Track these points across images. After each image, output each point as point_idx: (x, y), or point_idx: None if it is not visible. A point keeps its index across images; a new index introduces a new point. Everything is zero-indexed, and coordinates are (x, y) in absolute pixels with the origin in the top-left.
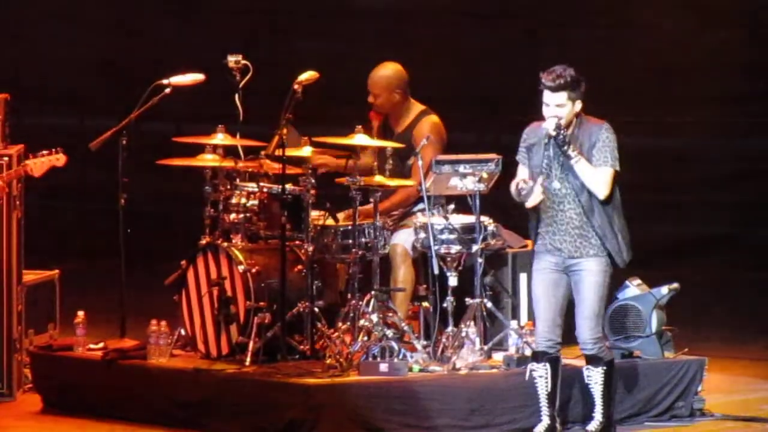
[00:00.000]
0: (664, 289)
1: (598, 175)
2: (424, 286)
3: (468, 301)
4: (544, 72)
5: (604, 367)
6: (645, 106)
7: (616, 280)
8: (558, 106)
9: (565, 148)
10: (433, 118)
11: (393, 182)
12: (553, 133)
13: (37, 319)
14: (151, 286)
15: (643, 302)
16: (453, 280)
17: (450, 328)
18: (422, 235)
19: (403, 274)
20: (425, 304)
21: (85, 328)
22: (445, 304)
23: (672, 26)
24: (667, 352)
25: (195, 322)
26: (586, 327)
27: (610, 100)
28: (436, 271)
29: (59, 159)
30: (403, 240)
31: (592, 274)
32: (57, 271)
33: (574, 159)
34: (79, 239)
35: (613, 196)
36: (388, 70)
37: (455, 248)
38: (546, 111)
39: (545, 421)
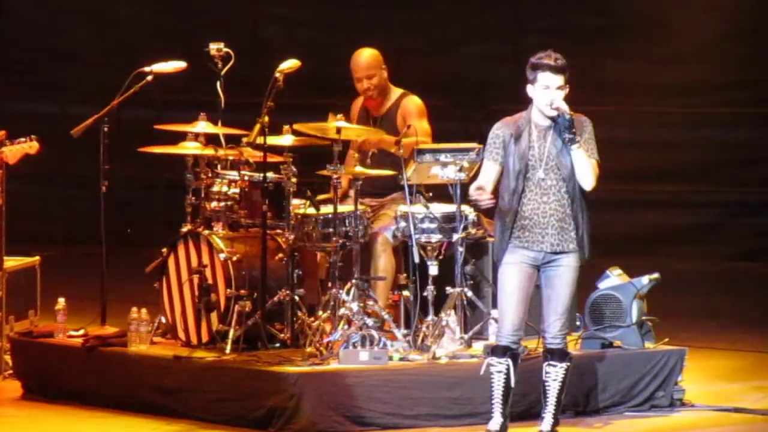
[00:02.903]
0: (645, 279)
1: (591, 164)
2: (405, 275)
3: (448, 290)
4: (541, 55)
5: (567, 364)
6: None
7: (597, 270)
8: (559, 88)
9: (574, 129)
10: (416, 99)
11: (374, 171)
12: (569, 112)
13: (17, 305)
14: (132, 274)
15: (623, 292)
16: (434, 269)
17: (430, 317)
18: (403, 224)
19: (383, 263)
20: (406, 293)
21: (66, 315)
22: (425, 293)
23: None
24: (648, 342)
25: (175, 310)
26: (559, 322)
27: (602, 90)
28: (417, 260)
29: (32, 146)
30: (384, 229)
31: (569, 270)
32: (38, 257)
33: (577, 143)
34: (60, 226)
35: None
36: (370, 51)
37: (436, 237)
38: (545, 94)
39: (497, 418)
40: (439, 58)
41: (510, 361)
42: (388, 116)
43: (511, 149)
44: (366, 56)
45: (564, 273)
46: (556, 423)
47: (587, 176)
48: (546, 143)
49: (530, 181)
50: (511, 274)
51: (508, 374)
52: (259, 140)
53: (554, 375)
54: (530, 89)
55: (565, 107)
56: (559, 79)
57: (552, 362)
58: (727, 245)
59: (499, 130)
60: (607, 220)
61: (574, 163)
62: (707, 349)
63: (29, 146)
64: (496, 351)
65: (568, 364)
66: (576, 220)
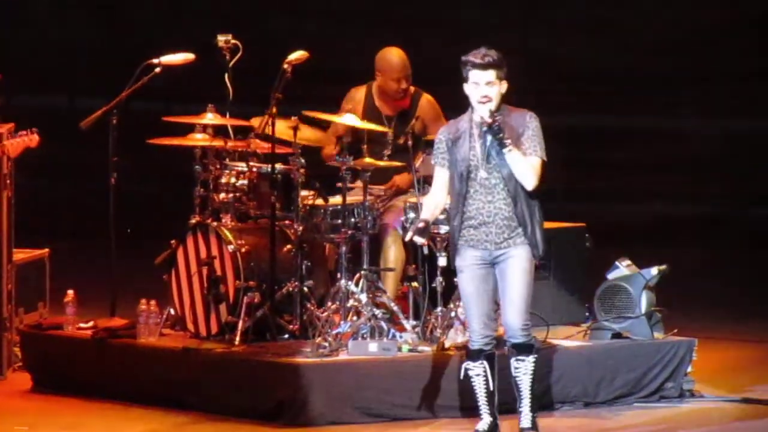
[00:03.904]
0: (654, 270)
1: (528, 165)
2: (414, 266)
3: (457, 281)
4: (468, 54)
5: (535, 356)
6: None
7: (606, 261)
8: (488, 84)
9: (501, 135)
10: (430, 98)
11: (382, 163)
12: (489, 120)
13: (26, 298)
14: (141, 266)
15: (632, 283)
16: (442, 261)
17: (439, 309)
18: (412, 215)
19: (392, 254)
20: (414, 284)
21: (75, 307)
22: (434, 285)
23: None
24: (657, 332)
25: (184, 302)
26: (515, 313)
27: (606, 81)
28: (426, 252)
29: (32, 140)
30: (393, 220)
31: (519, 260)
32: (47, 249)
33: (508, 148)
34: (69, 218)
35: (538, 188)
36: (400, 50)
37: (444, 228)
38: (475, 91)
39: (486, 419)
40: (451, 48)
41: (486, 363)
42: (403, 116)
43: (453, 152)
44: (402, 55)
45: (514, 263)
46: (534, 418)
47: (525, 176)
48: (486, 143)
49: (474, 181)
50: (467, 278)
51: (486, 376)
52: (268, 131)
53: (524, 369)
54: (465, 87)
55: (484, 113)
56: (488, 75)
57: (519, 357)
58: (738, 235)
59: (442, 135)
60: (618, 211)
61: (510, 165)
62: (717, 340)
63: (29, 139)
64: (470, 355)
65: (536, 356)
66: (522, 219)
